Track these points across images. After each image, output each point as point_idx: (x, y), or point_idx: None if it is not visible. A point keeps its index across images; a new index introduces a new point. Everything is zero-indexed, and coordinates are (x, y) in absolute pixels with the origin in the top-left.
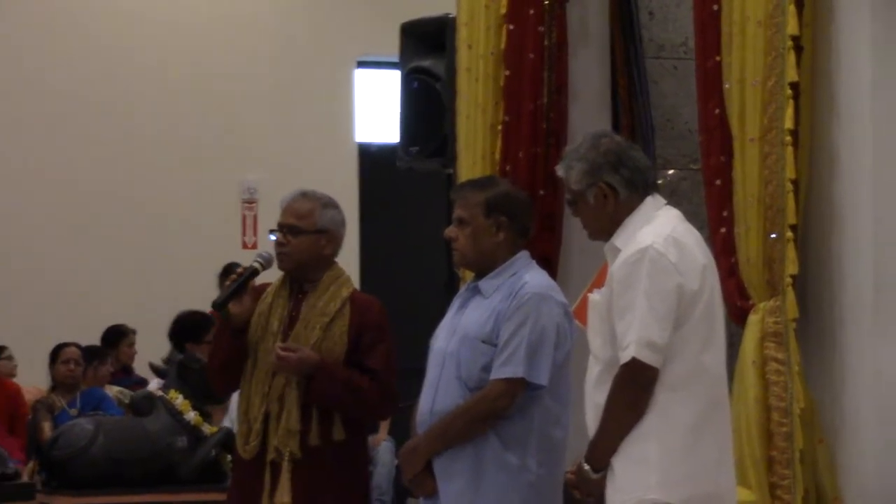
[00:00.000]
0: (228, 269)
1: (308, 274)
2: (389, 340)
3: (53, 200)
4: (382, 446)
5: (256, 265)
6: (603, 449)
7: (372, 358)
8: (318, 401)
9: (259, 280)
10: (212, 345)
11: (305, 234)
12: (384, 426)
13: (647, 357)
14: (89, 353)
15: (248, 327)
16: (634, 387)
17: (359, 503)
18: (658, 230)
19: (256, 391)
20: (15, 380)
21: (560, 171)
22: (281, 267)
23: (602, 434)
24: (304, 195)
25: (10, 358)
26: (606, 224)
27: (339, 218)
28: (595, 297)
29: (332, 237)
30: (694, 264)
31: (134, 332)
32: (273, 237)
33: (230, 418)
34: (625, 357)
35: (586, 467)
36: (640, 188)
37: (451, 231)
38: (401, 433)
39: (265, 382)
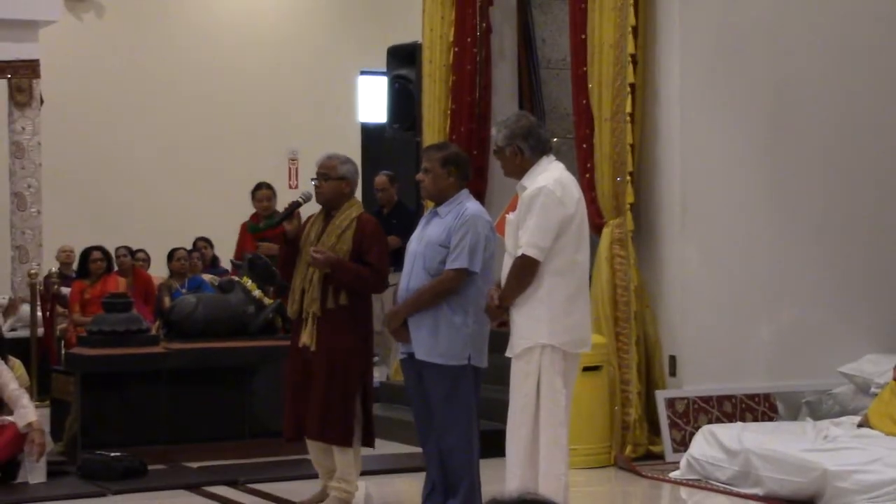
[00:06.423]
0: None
1: (334, 205)
2: (382, 243)
3: (157, 144)
4: None
5: (300, 199)
6: (506, 298)
7: (370, 255)
8: (336, 283)
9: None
10: (279, 250)
11: (332, 179)
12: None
13: (534, 253)
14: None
15: (298, 239)
16: (524, 271)
17: (359, 344)
18: (551, 176)
19: (299, 275)
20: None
21: (493, 132)
22: (318, 201)
23: (506, 292)
24: (330, 156)
25: (144, 259)
26: (517, 170)
27: (353, 169)
28: (510, 217)
29: (349, 182)
30: (572, 197)
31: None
32: (313, 182)
33: None
34: (519, 253)
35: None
36: (540, 151)
37: (420, 176)
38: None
39: (304, 271)
